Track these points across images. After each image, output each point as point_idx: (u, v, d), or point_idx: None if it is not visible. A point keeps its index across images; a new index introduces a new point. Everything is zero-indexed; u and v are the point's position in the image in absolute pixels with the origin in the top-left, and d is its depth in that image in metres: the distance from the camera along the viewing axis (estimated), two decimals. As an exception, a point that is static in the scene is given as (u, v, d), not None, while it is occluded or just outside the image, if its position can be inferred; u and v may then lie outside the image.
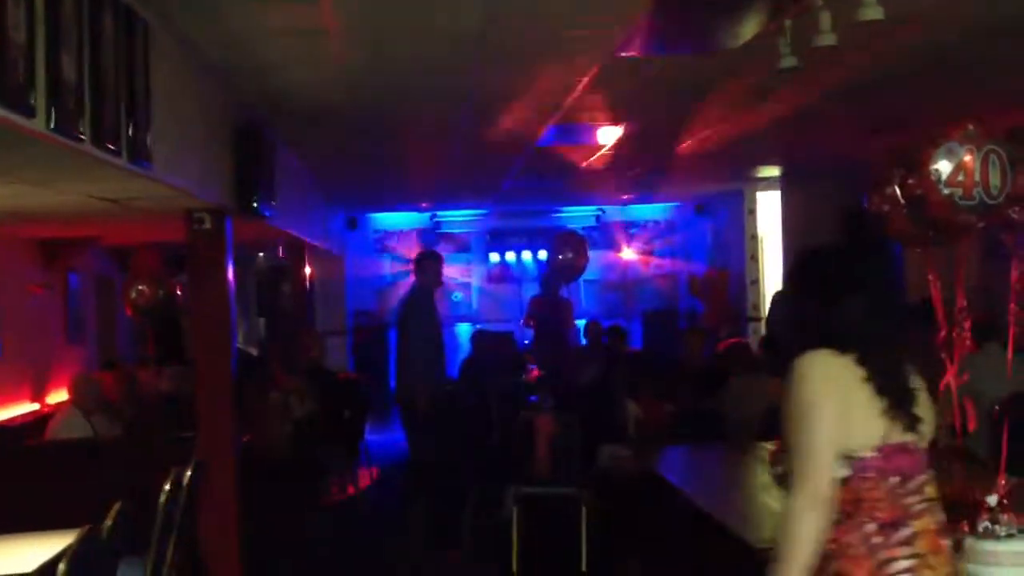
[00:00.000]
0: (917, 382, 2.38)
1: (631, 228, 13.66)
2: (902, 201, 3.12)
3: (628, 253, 13.50)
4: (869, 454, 2.30)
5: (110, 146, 3.20)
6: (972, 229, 3.11)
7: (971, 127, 2.91)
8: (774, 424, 3.54)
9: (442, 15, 4.10)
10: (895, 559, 2.29)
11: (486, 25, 4.18)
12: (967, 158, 2.88)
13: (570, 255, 8.29)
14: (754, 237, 11.55)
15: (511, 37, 4.40)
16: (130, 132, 3.37)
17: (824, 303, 2.40)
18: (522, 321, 11.24)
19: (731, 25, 3.92)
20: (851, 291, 2.38)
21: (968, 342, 5.74)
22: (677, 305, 13.56)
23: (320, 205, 9.70)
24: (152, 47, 3.66)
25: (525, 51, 4.70)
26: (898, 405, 2.31)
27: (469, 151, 7.57)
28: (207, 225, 5.04)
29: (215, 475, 4.69)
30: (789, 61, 3.86)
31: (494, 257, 13.58)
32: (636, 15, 4.07)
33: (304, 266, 9.26)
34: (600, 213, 13.53)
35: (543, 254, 13.70)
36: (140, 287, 6.56)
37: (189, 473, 4.07)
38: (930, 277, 3.40)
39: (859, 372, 2.31)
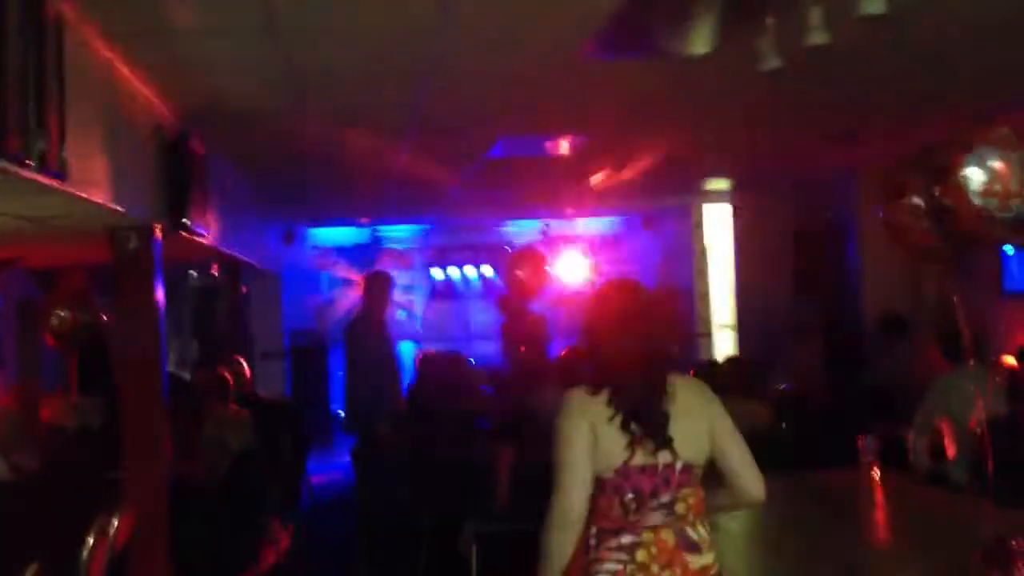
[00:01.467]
0: (682, 409, 2.65)
1: (577, 243, 13.37)
2: (925, 213, 2.82)
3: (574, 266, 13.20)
4: (609, 475, 2.60)
5: (16, 156, 2.78)
6: (1003, 244, 2.84)
7: (1006, 130, 2.60)
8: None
9: (393, 10, 3.76)
10: (604, 561, 2.57)
11: (439, 19, 3.85)
12: (1001, 165, 2.58)
13: (527, 271, 8.02)
14: (702, 251, 11.38)
15: (467, 32, 4.07)
16: (40, 140, 2.95)
17: (589, 347, 2.80)
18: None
19: (709, 26, 3.64)
20: (599, 334, 2.75)
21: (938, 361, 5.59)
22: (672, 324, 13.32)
23: (255, 220, 9.23)
24: (67, 44, 3.24)
25: (481, 48, 4.37)
26: (644, 433, 2.60)
27: (415, 162, 7.20)
28: (133, 244, 4.59)
29: (144, 520, 4.24)
30: (772, 62, 3.59)
31: (438, 273, 13.20)
32: (603, 16, 3.79)
33: (239, 285, 8.77)
34: (546, 227, 13.22)
35: (487, 269, 13.42)
36: (61, 312, 6.04)
37: (115, 523, 3.64)
38: (955, 300, 3.12)
39: (607, 408, 2.63)
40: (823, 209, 9.47)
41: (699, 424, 2.68)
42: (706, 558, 2.61)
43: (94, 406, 6.09)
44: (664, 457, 2.61)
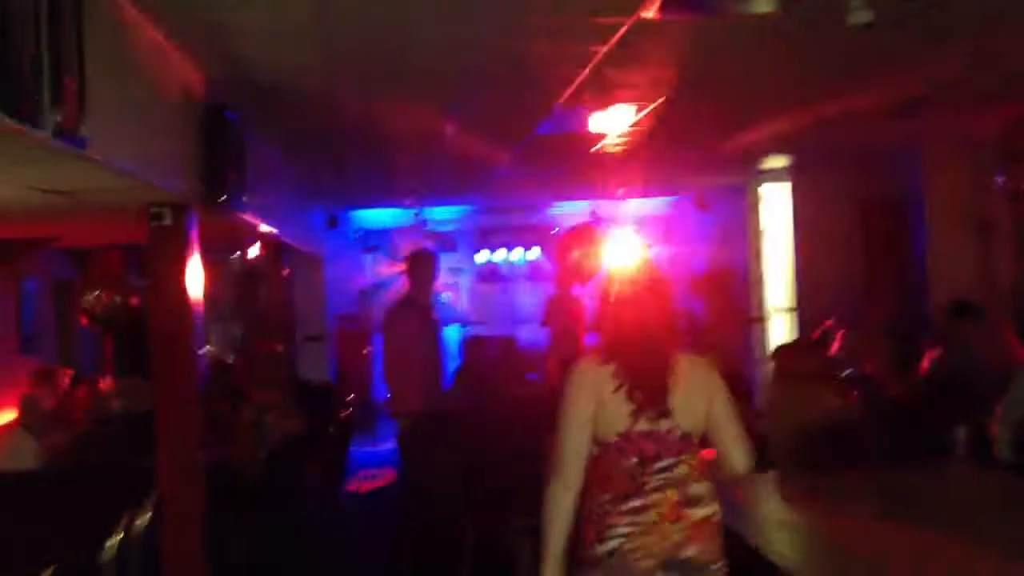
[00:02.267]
0: (684, 382, 2.87)
1: (628, 224, 12.99)
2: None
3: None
4: (614, 439, 2.82)
5: (30, 118, 2.54)
6: None
7: None
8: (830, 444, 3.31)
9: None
10: (616, 525, 2.77)
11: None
12: None
13: (584, 249, 7.61)
14: (758, 232, 10.94)
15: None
16: (57, 104, 2.70)
17: (597, 318, 3.06)
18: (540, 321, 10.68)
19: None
20: (612, 310, 3.00)
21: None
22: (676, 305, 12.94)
23: (300, 202, 9.01)
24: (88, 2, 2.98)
25: (533, 10, 4.05)
26: (646, 402, 2.83)
27: (462, 139, 6.90)
28: (167, 221, 4.36)
29: (177, 511, 4.02)
30: (861, 16, 3.23)
31: (483, 256, 12.93)
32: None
33: (282, 267, 8.56)
34: (595, 208, 12.86)
35: (534, 252, 13.11)
36: (96, 292, 5.85)
37: (148, 515, 3.40)
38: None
39: (613, 378, 2.85)
40: (888, 185, 9.02)
41: (698, 397, 2.90)
42: (708, 509, 2.85)
43: (137, 389, 5.90)
44: (665, 424, 2.85)
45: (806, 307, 9.59)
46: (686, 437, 2.87)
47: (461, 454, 5.29)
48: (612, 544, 2.78)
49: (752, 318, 10.86)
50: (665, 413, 2.85)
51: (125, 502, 3.74)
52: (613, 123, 6.59)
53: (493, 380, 6.23)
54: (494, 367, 6.43)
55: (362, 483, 6.66)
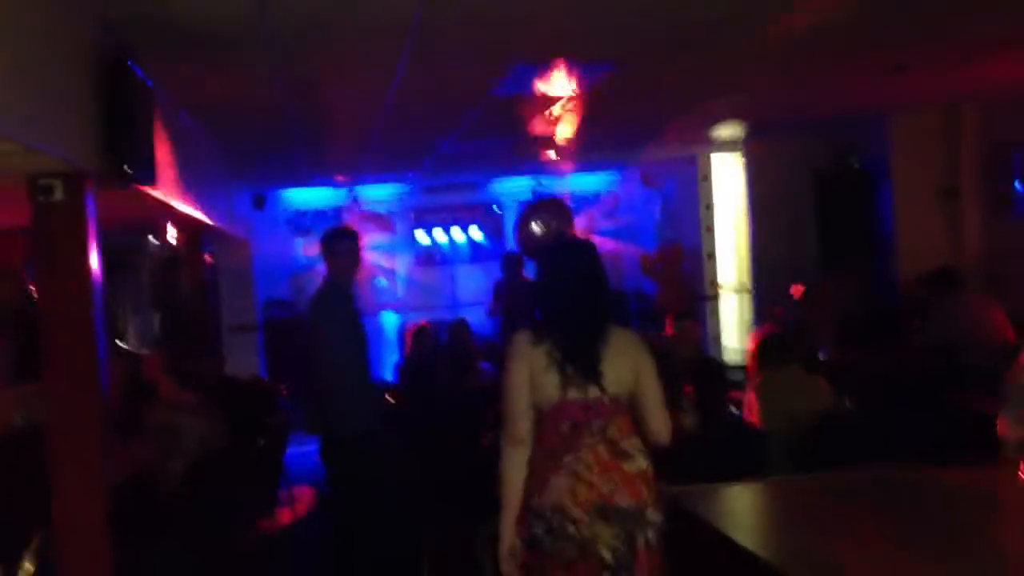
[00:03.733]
0: (613, 351, 3.08)
1: (572, 202, 12.44)
2: None
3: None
4: (548, 408, 3.05)
5: None
6: None
7: None
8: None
9: None
10: (550, 476, 2.99)
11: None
12: None
13: (553, 224, 6.72)
14: (709, 207, 10.50)
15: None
16: None
17: (536, 295, 3.25)
18: (487, 310, 10.10)
19: None
20: (550, 288, 3.18)
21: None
22: (623, 285, 12.47)
23: (221, 180, 8.24)
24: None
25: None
26: (577, 373, 3.04)
27: (408, 106, 6.23)
28: (57, 195, 3.65)
29: (76, 548, 3.33)
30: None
31: (422, 237, 12.26)
32: None
33: (200, 251, 7.80)
34: (538, 186, 12.27)
35: (475, 231, 12.51)
36: (-17, 286, 5.08)
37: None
38: None
39: (545, 354, 3.05)
40: (846, 153, 8.61)
41: (626, 364, 3.10)
42: (639, 463, 3.04)
43: (41, 397, 5.13)
44: (594, 392, 3.05)
45: (762, 285, 9.16)
46: (615, 400, 3.08)
47: (404, 473, 4.68)
48: (551, 496, 2.97)
49: (703, 296, 10.43)
50: (595, 381, 3.04)
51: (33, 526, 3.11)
52: (565, 84, 6.02)
53: (443, 374, 5.60)
54: (444, 358, 5.79)
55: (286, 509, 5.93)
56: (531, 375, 3.03)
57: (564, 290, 3.11)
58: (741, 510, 3.50)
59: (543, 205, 6.66)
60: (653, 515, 2.99)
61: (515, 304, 9.77)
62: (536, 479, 3.02)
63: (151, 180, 4.49)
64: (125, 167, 4.00)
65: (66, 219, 3.67)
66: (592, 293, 3.12)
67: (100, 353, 3.83)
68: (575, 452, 2.99)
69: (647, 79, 6.19)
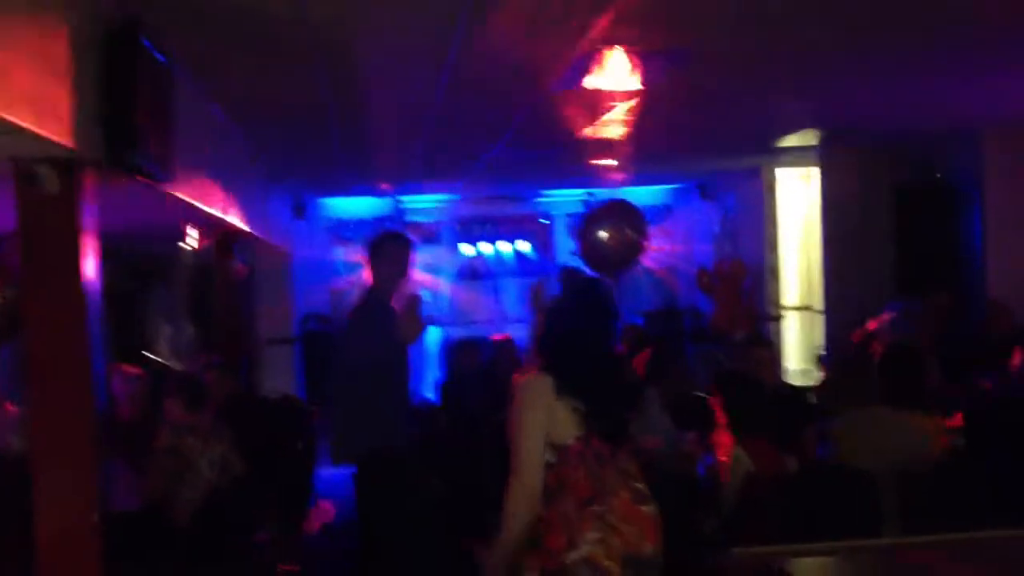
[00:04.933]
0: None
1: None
2: None
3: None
4: (572, 441, 2.87)
5: None
6: None
7: None
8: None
9: None
10: (586, 531, 2.77)
11: None
12: None
13: (625, 231, 5.85)
14: (773, 220, 9.84)
15: None
16: None
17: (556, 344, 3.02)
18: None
19: None
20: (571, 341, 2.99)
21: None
22: (677, 303, 11.83)
23: (257, 183, 7.77)
24: None
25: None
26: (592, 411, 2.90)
27: (456, 100, 5.69)
28: (49, 185, 3.14)
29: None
30: None
31: (467, 249, 11.72)
32: None
33: (233, 259, 7.33)
34: (589, 197, 11.70)
35: (522, 244, 11.95)
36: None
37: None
38: None
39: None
40: (930, 169, 7.92)
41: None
42: (652, 505, 2.87)
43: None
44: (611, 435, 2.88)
45: (834, 306, 8.45)
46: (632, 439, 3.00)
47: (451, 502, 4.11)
48: (584, 551, 2.77)
49: (766, 316, 9.74)
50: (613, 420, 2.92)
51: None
52: (628, 77, 5.43)
53: (489, 394, 5.02)
54: (489, 377, 5.22)
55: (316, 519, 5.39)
56: (547, 410, 2.86)
57: (567, 321, 3.02)
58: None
59: (611, 208, 5.80)
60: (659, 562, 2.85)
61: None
62: (563, 531, 2.78)
63: (167, 175, 3.99)
64: (133, 157, 3.50)
65: (58, 213, 3.17)
66: (600, 332, 3.02)
67: (94, 369, 3.32)
68: (603, 500, 2.81)
69: (718, 69, 5.59)
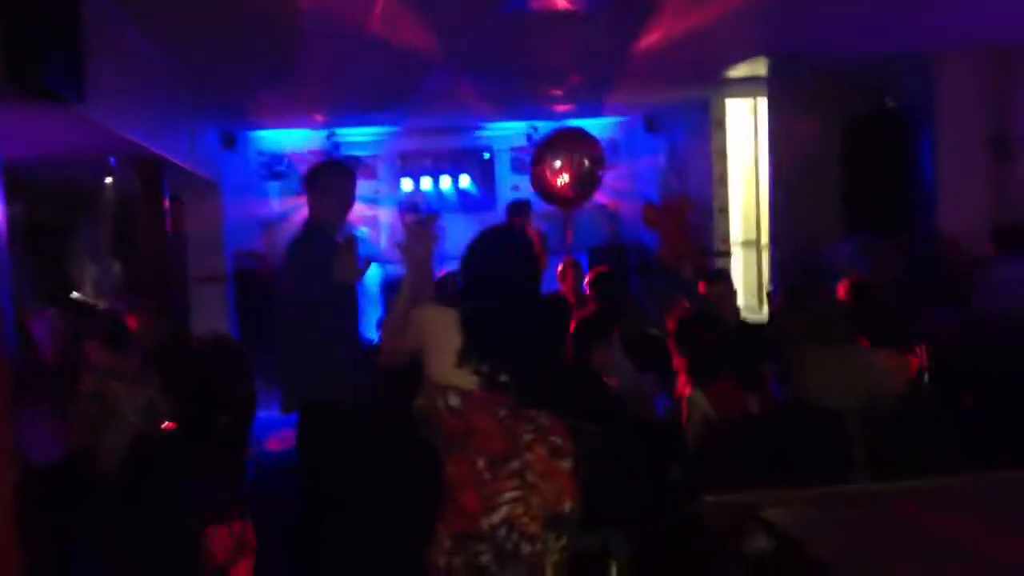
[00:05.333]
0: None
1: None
2: None
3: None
4: (475, 388, 2.55)
5: None
6: None
7: None
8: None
9: None
10: (503, 491, 2.52)
11: None
12: None
13: (582, 161, 5.34)
14: (722, 155, 9.66)
15: None
16: None
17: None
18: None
19: None
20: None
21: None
22: (621, 239, 11.66)
23: (183, 112, 7.31)
24: None
25: None
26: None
27: (398, 18, 5.32)
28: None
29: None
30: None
31: (407, 185, 11.35)
32: None
33: (160, 191, 6.89)
34: (532, 131, 11.38)
35: (464, 180, 11.62)
36: None
37: None
38: None
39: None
40: (878, 98, 7.76)
41: None
42: (570, 459, 2.59)
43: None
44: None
45: (781, 240, 8.34)
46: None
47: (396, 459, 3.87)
48: (502, 512, 2.54)
49: (713, 252, 9.62)
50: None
51: None
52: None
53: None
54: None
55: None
56: (444, 348, 2.58)
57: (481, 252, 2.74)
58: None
59: (567, 136, 5.32)
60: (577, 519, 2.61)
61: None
62: (477, 492, 2.53)
63: (81, 99, 3.61)
64: (37, 76, 3.12)
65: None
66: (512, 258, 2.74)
67: (1, 315, 2.98)
68: (519, 456, 2.53)
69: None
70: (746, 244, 10.28)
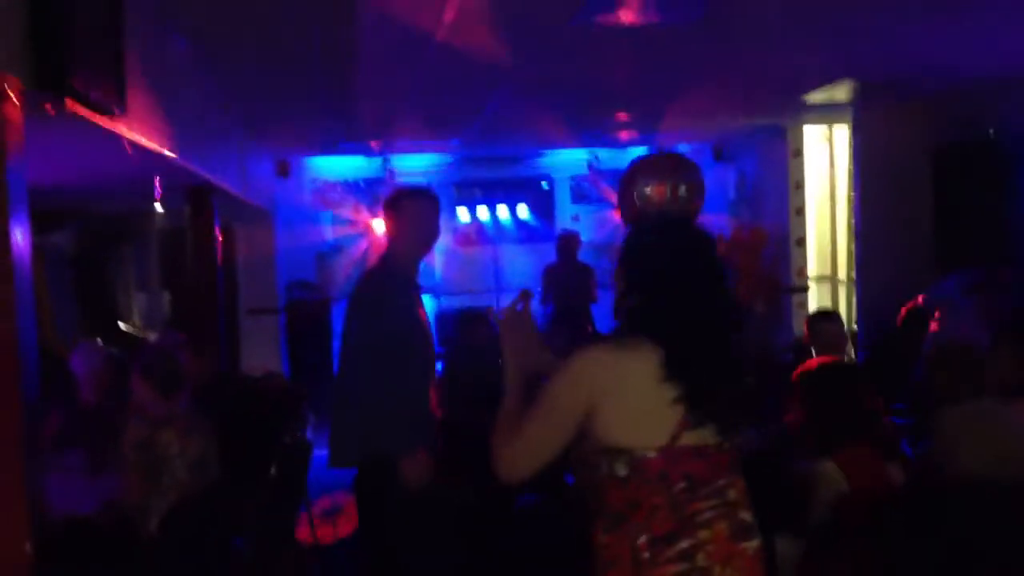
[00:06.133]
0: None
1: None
2: None
3: (628, 208, 10.86)
4: (653, 455, 2.13)
5: None
6: None
7: None
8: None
9: None
10: (666, 569, 2.12)
11: None
12: None
13: (679, 188, 4.73)
14: (799, 186, 9.11)
15: None
16: None
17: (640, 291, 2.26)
18: (539, 298, 8.86)
19: None
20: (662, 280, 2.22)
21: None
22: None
23: (235, 137, 6.98)
24: None
25: None
26: (695, 404, 2.14)
27: (458, 38, 4.93)
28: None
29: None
30: None
31: (463, 214, 10.95)
32: None
33: (211, 219, 6.54)
34: (593, 159, 10.95)
35: (522, 210, 11.20)
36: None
37: None
38: None
39: (654, 368, 2.13)
40: (979, 124, 7.17)
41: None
42: (757, 540, 2.20)
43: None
44: (711, 434, 2.16)
45: (870, 276, 7.75)
46: (734, 448, 2.23)
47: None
48: None
49: (789, 288, 9.06)
50: (721, 421, 2.16)
51: None
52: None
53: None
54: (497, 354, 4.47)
55: (320, 527, 4.62)
56: (603, 406, 2.11)
57: (680, 283, 2.20)
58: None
59: (664, 161, 4.69)
60: None
61: (568, 293, 8.59)
62: (632, 568, 2.12)
63: (116, 108, 3.22)
64: (68, 81, 2.73)
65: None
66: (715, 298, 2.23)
67: (24, 354, 2.57)
68: (690, 534, 2.12)
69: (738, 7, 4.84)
70: (820, 279, 9.69)
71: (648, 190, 4.55)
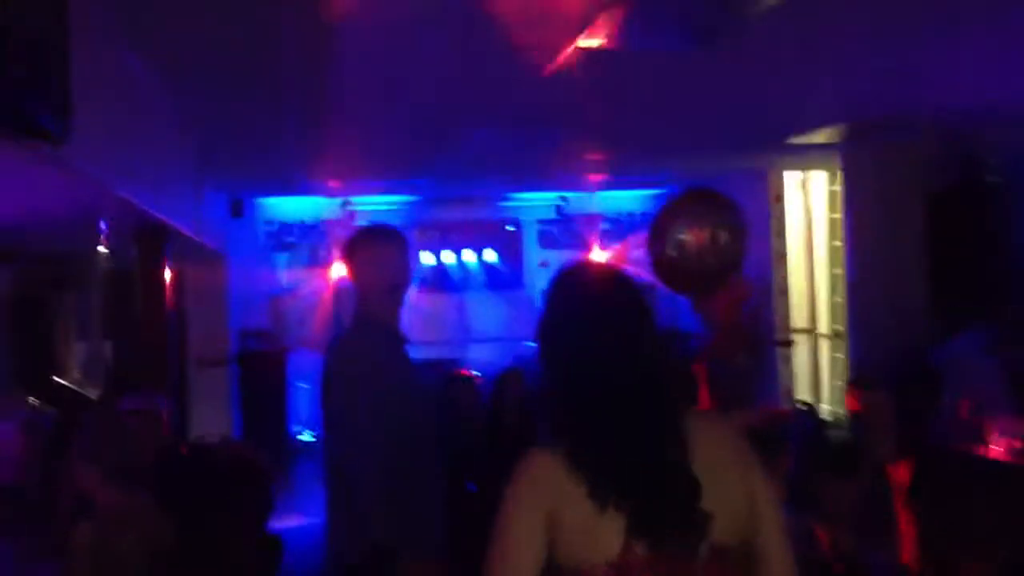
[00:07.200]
0: (707, 462, 1.77)
1: (603, 222, 10.69)
2: None
3: (599, 254, 10.46)
4: (601, 570, 1.75)
5: None
6: None
7: None
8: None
9: None
10: None
11: None
12: None
13: (720, 235, 3.94)
14: (781, 234, 8.78)
15: None
16: None
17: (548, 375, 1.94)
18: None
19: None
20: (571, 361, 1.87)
21: None
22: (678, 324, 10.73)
23: (188, 173, 6.41)
24: None
25: None
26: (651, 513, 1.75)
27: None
28: None
29: None
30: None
31: (428, 259, 10.45)
32: None
33: (161, 262, 5.95)
34: (562, 203, 10.55)
35: (489, 254, 10.73)
36: None
37: None
38: None
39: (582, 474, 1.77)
40: (978, 163, 6.89)
41: (733, 483, 1.79)
42: None
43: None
44: (681, 539, 1.73)
45: (862, 329, 7.38)
46: (720, 555, 1.73)
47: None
48: None
49: (773, 341, 8.67)
50: (684, 521, 1.72)
51: None
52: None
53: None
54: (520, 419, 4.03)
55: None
56: (556, 514, 1.75)
57: (595, 361, 1.83)
58: None
59: (702, 201, 3.81)
60: None
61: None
62: None
63: (67, 144, 2.68)
64: (29, 115, 2.20)
65: None
66: (642, 363, 1.84)
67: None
68: None
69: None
70: (798, 332, 9.33)
71: (684, 237, 4.05)
